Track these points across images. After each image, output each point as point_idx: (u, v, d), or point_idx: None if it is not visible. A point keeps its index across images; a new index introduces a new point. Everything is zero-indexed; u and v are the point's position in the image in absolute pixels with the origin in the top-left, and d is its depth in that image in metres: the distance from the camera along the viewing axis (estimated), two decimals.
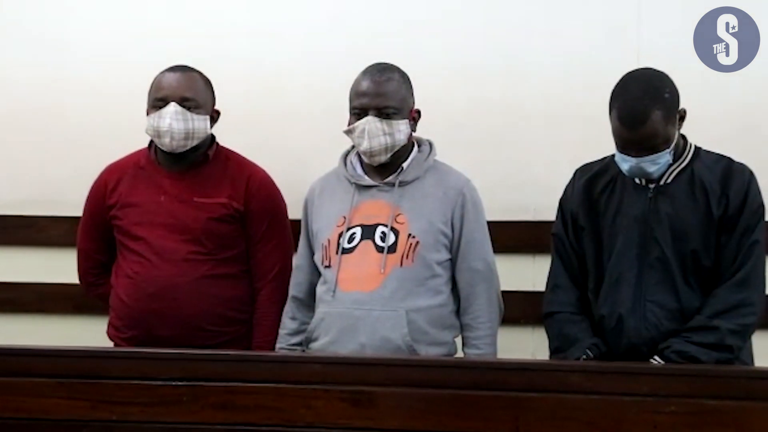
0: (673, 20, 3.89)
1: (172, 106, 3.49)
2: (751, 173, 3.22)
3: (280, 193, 3.66)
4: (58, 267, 3.94)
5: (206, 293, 3.50)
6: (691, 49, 3.82)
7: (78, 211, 3.71)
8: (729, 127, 3.77)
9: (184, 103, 3.51)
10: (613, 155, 3.24)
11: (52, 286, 4.04)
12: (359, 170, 3.45)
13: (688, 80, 3.30)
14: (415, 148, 3.46)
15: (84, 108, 4.09)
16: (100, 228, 3.64)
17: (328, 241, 3.39)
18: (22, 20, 4.17)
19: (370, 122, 3.34)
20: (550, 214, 3.46)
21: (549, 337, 3.36)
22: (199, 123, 3.53)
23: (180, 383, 3.02)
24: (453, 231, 3.38)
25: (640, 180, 3.24)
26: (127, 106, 3.81)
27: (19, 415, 3.05)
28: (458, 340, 3.44)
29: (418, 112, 3.45)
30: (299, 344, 3.47)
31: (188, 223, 3.53)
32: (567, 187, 3.38)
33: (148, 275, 3.50)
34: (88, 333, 3.82)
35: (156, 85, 3.55)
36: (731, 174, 3.20)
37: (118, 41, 4.10)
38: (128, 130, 3.76)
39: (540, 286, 3.48)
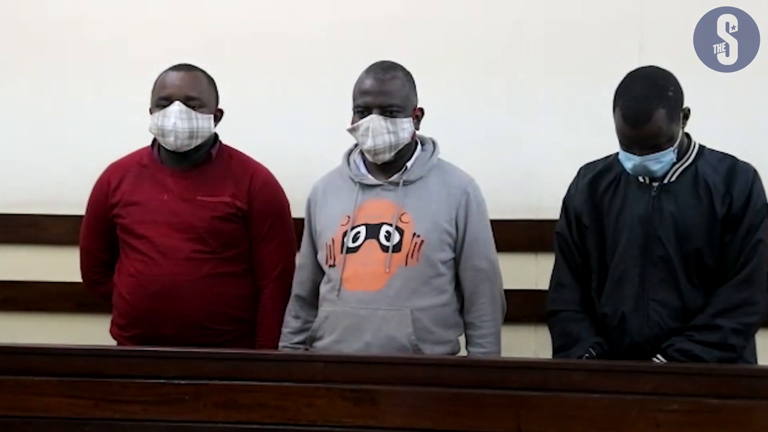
0: (674, 20, 3.89)
1: (177, 105, 3.49)
2: (755, 172, 3.22)
3: (283, 192, 3.66)
4: (61, 265, 3.94)
5: (209, 292, 3.50)
6: (691, 49, 3.82)
7: (81, 209, 3.71)
8: (729, 127, 3.76)
9: (189, 102, 3.51)
10: (617, 153, 3.25)
11: (55, 284, 4.03)
12: (363, 169, 3.45)
13: (688, 80, 3.29)
14: (419, 146, 3.46)
15: (86, 106, 4.10)
16: (103, 226, 3.64)
17: (333, 240, 3.39)
18: (23, 20, 4.17)
19: (373, 120, 3.34)
20: (552, 212, 3.46)
21: (552, 335, 3.36)
22: (203, 122, 3.53)
23: (183, 382, 3.02)
24: (457, 230, 3.38)
25: (643, 178, 3.24)
26: (130, 105, 3.82)
27: (21, 413, 3.06)
28: (461, 339, 3.44)
29: (422, 110, 3.45)
30: (302, 343, 3.47)
31: (191, 222, 3.52)
32: (571, 185, 3.38)
33: (151, 274, 3.50)
34: (91, 331, 3.82)
35: (160, 84, 3.55)
36: (735, 173, 3.20)
37: (120, 40, 4.09)
38: (131, 129, 3.76)
39: (542, 284, 3.49)
